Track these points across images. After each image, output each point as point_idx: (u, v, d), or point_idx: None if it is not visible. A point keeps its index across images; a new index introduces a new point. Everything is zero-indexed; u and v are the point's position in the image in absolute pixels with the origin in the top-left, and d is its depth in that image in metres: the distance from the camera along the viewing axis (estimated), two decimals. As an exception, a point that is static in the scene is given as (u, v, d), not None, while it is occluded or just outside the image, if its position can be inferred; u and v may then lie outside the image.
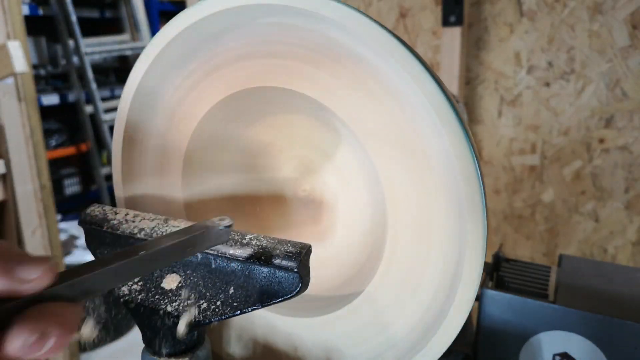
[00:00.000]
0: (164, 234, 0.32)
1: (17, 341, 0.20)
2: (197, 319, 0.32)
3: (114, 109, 2.26)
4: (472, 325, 0.51)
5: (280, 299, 0.30)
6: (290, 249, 0.31)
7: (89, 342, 0.26)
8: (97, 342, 0.25)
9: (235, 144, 0.44)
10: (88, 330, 0.26)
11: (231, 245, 0.32)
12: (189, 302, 0.32)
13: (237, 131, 0.43)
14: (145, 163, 0.43)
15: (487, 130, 1.02)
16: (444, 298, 0.34)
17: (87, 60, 2.17)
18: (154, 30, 2.45)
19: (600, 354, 0.40)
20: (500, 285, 0.46)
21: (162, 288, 0.33)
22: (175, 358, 0.33)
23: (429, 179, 0.33)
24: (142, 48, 0.39)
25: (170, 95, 0.41)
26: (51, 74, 2.33)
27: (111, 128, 2.15)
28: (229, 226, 0.30)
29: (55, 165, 2.27)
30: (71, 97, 2.23)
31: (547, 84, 0.94)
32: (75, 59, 2.19)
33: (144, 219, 0.35)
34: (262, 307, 0.31)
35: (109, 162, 2.36)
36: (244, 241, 0.32)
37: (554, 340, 0.41)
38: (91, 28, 2.41)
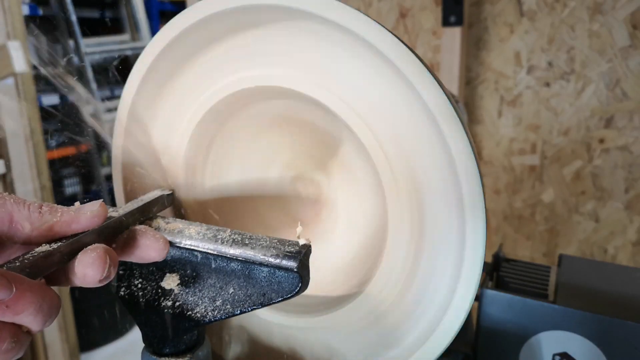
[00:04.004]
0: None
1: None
2: (197, 319, 0.32)
3: (114, 109, 2.25)
4: (472, 325, 0.51)
5: (280, 299, 0.30)
6: (290, 248, 0.31)
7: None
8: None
9: (236, 143, 0.44)
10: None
11: (231, 245, 0.32)
12: (188, 302, 0.32)
13: (238, 130, 0.43)
14: (146, 163, 0.43)
15: (487, 130, 1.02)
16: (444, 298, 0.34)
17: (87, 60, 2.17)
18: (154, 30, 2.45)
19: (600, 354, 0.40)
20: (500, 285, 0.46)
21: (162, 287, 0.33)
22: (175, 358, 0.33)
23: (429, 179, 0.33)
24: (142, 48, 0.39)
25: (170, 95, 0.41)
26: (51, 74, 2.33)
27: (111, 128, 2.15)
28: (170, 194, 0.40)
29: (55, 165, 2.27)
30: (71, 97, 2.23)
31: (547, 84, 0.94)
32: (75, 59, 2.19)
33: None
34: (262, 307, 0.31)
35: (109, 162, 2.35)
36: (244, 241, 0.32)
37: (554, 340, 0.41)
38: (91, 28, 2.41)
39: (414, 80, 0.30)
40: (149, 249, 0.30)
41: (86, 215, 0.28)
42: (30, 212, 0.27)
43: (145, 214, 0.34)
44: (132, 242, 0.30)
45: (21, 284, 0.23)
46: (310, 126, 0.41)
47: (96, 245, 0.27)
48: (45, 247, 0.26)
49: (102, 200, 0.29)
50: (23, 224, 0.27)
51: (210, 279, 0.32)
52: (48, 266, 0.26)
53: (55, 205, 0.28)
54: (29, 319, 0.24)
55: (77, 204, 0.29)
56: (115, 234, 0.30)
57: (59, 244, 0.27)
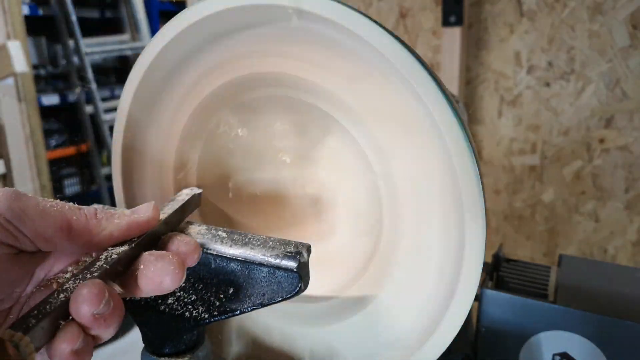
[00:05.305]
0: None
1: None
2: (197, 319, 0.32)
3: (114, 109, 2.25)
4: (472, 325, 0.51)
5: (280, 299, 0.30)
6: (290, 248, 0.31)
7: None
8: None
9: (236, 144, 0.44)
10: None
11: (231, 245, 0.32)
12: (189, 302, 0.32)
13: (237, 131, 0.43)
14: (146, 163, 0.43)
15: (487, 130, 1.02)
16: (444, 298, 0.34)
17: (87, 60, 2.17)
18: (154, 30, 2.45)
19: (600, 354, 0.40)
20: (500, 285, 0.46)
21: (162, 288, 0.33)
22: (175, 358, 0.33)
23: (428, 179, 0.33)
24: (142, 48, 0.39)
25: (171, 95, 0.41)
26: (51, 74, 2.33)
27: (111, 128, 2.15)
28: (200, 193, 0.38)
29: (55, 165, 2.27)
30: (71, 97, 2.23)
31: (547, 84, 0.94)
32: (75, 59, 2.19)
33: None
34: (262, 307, 0.31)
35: (109, 162, 2.35)
36: (244, 241, 0.32)
37: (553, 340, 0.41)
38: (91, 28, 2.41)
39: (413, 80, 0.30)
40: (184, 256, 0.28)
41: (142, 219, 0.27)
42: (88, 219, 0.26)
43: (183, 216, 0.34)
44: (164, 247, 0.28)
45: (115, 298, 0.23)
46: (310, 127, 0.41)
47: (164, 252, 0.26)
48: (114, 255, 0.25)
49: (153, 202, 0.28)
50: (82, 232, 0.26)
51: (209, 279, 0.32)
52: (117, 274, 0.25)
53: (108, 209, 0.27)
54: (110, 332, 0.23)
55: (98, 207, 0.28)
56: (160, 238, 0.29)
57: (123, 249, 0.26)
